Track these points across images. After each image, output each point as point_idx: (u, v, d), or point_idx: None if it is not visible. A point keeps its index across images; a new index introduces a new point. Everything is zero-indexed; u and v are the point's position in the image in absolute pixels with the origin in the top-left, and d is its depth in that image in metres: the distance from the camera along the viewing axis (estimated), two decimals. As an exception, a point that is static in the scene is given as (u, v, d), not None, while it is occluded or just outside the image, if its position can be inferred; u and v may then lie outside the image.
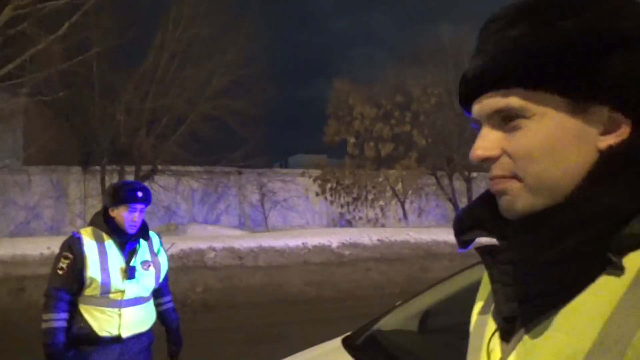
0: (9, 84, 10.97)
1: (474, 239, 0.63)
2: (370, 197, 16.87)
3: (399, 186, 16.77)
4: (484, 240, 0.61)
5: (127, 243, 2.67)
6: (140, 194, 2.65)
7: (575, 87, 0.52)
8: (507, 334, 0.59)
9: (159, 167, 14.33)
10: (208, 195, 16.79)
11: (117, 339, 2.60)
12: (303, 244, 9.58)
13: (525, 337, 0.55)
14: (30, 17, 10.54)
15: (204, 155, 14.52)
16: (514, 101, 0.54)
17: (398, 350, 2.26)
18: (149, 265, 2.74)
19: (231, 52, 13.87)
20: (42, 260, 7.46)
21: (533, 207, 0.55)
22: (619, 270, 0.49)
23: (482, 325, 0.66)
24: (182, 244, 9.08)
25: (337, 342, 2.36)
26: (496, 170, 0.57)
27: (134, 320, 2.66)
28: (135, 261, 2.68)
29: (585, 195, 0.52)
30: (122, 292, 2.61)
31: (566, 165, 0.54)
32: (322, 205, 17.52)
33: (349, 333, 2.44)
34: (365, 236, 10.28)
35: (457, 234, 0.64)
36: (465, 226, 0.63)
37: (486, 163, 0.58)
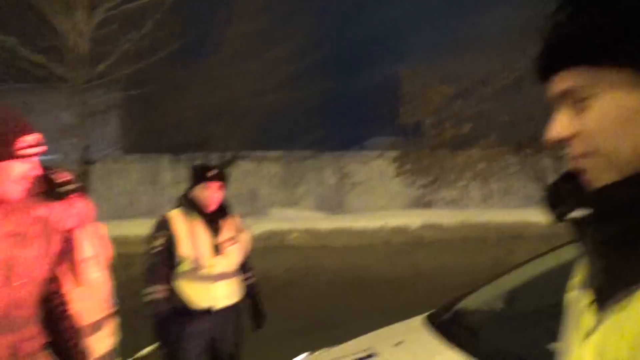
0: (103, 81, 11.93)
1: (568, 212, 0.61)
2: (450, 178, 16.40)
3: (480, 166, 16.12)
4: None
5: (212, 221, 2.85)
6: (211, 172, 2.83)
7: (633, 62, 0.52)
8: (599, 305, 0.59)
9: (240, 153, 14.95)
10: (287, 179, 17.24)
11: (209, 312, 2.78)
12: (382, 225, 9.57)
13: (615, 307, 0.55)
14: (117, 18, 11.34)
15: (281, 141, 14.94)
16: (575, 82, 0.56)
17: (483, 329, 2.22)
18: (234, 242, 2.91)
19: (292, 43, 14.02)
20: (142, 240, 8.14)
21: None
22: None
23: (578, 298, 0.66)
24: (265, 226, 9.43)
25: (421, 319, 2.35)
26: (571, 150, 0.59)
27: (223, 293, 2.84)
28: (222, 238, 2.85)
29: None
30: (212, 267, 2.79)
31: (636, 141, 0.53)
32: (400, 187, 17.31)
33: (432, 310, 2.43)
34: (446, 217, 10.05)
35: (551, 208, 0.64)
36: (556, 200, 0.63)
37: (561, 144, 0.60)
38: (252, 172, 16.16)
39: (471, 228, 9.92)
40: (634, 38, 0.52)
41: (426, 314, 2.38)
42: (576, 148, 0.59)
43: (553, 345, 1.78)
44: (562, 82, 0.57)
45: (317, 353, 2.42)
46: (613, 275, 0.55)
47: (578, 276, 0.71)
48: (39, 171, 1.39)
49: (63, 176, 2.04)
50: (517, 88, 15.25)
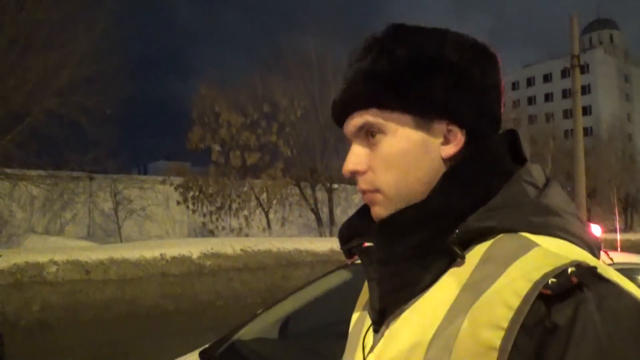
0: None
1: (358, 247, 0.67)
2: (234, 206, 16.63)
3: (264, 196, 16.82)
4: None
5: None
6: None
7: (414, 105, 0.61)
8: (378, 325, 0.65)
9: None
10: (51, 202, 15.01)
11: None
12: (161, 255, 9.04)
13: (391, 325, 0.62)
14: None
15: (48, 157, 12.92)
16: (370, 119, 0.62)
17: (258, 359, 2.21)
18: None
19: (84, 44, 12.56)
20: None
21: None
22: (462, 260, 0.57)
23: (360, 322, 0.71)
24: (17, 257, 7.94)
25: (195, 355, 2.23)
26: (362, 184, 0.65)
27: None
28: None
29: (425, 198, 0.61)
30: None
31: (416, 174, 0.62)
32: (183, 215, 16.79)
33: (206, 345, 2.33)
34: (228, 246, 10.08)
35: (342, 244, 0.70)
36: (346, 236, 0.69)
37: (355, 176, 0.65)
38: (4, 193, 13.58)
39: (251, 256, 10.16)
40: (406, 87, 0.61)
41: (200, 348, 2.28)
42: (365, 183, 0.64)
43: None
44: (359, 119, 0.63)
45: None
46: (391, 296, 0.62)
47: (360, 303, 0.76)
48: None
49: None
50: (300, 124, 16.58)
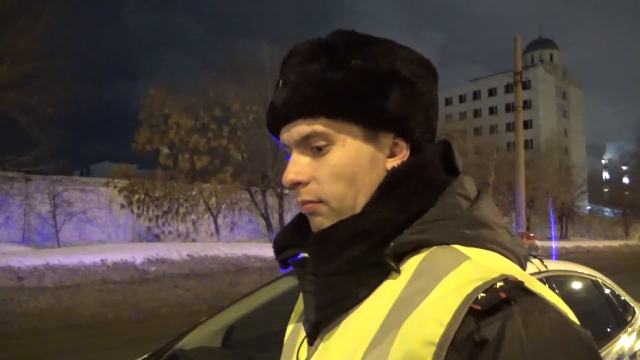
0: None
1: (294, 258, 0.67)
2: (182, 210, 16.21)
3: (213, 200, 16.50)
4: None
5: None
6: None
7: (367, 118, 0.60)
8: (312, 338, 0.64)
9: None
10: (-19, 204, 14.07)
11: None
12: (101, 260, 8.66)
13: (325, 337, 0.61)
14: None
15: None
16: (319, 128, 0.60)
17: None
18: None
19: (26, 39, 11.94)
20: None
21: None
22: (396, 273, 0.57)
23: (295, 334, 0.71)
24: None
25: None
26: (305, 195, 0.63)
27: None
28: None
29: (363, 212, 0.61)
30: None
31: (362, 186, 0.61)
32: (127, 219, 16.19)
33: (145, 356, 2.23)
34: (174, 251, 9.80)
35: (277, 255, 0.68)
36: (281, 246, 0.68)
37: (296, 187, 0.63)
38: None
39: (198, 262, 9.92)
40: (359, 99, 0.60)
41: (140, 359, 2.18)
42: (308, 194, 0.62)
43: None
44: (306, 127, 0.61)
45: None
46: (327, 309, 0.61)
47: (295, 313, 0.75)
48: None
49: None
50: (252, 129, 16.38)
